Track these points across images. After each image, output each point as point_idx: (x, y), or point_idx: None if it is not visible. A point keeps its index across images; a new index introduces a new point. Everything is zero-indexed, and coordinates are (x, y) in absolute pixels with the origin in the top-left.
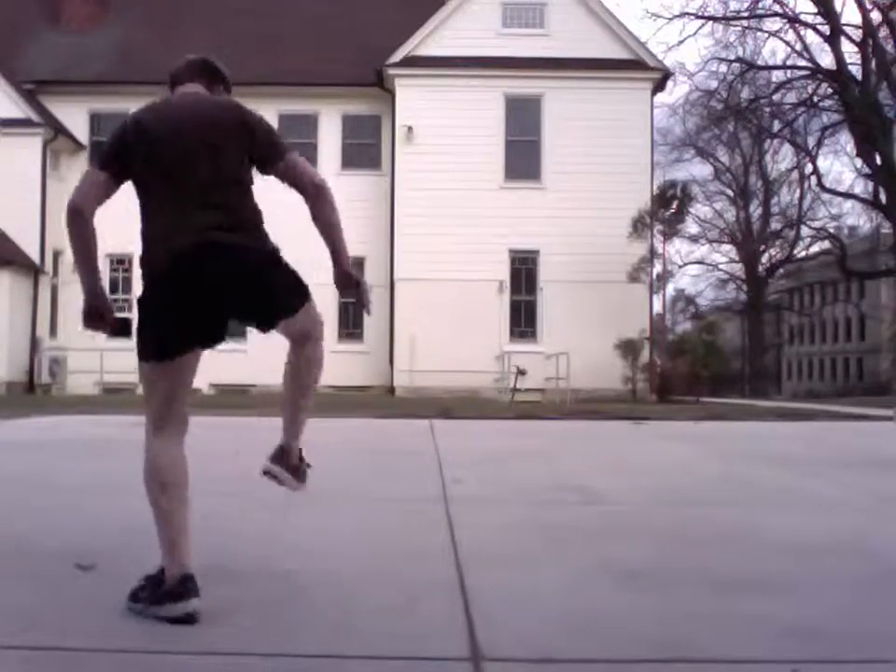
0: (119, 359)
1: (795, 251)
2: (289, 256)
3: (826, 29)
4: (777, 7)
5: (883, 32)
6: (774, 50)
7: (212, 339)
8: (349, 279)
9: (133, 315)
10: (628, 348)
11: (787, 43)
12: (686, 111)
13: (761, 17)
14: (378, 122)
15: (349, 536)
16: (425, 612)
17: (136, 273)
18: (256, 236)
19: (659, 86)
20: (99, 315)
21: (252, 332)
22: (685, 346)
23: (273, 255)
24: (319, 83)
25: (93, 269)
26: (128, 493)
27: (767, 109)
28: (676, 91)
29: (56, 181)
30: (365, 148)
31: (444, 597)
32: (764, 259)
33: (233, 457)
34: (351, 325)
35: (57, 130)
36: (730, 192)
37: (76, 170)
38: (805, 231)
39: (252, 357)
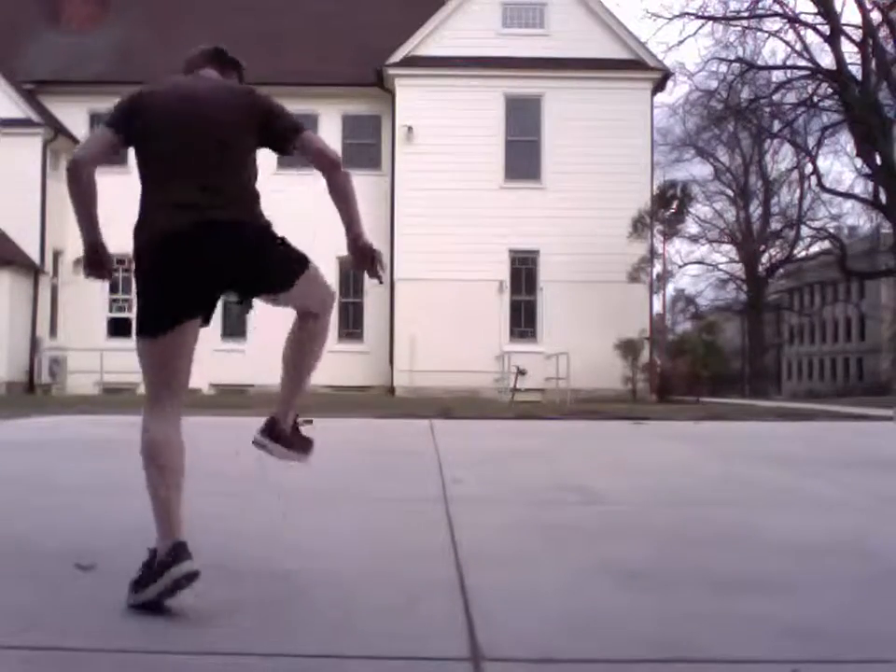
0: (119, 359)
1: (795, 251)
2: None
3: (826, 29)
4: (777, 7)
5: (883, 32)
6: (774, 50)
7: (205, 312)
8: (367, 252)
9: (133, 315)
10: (628, 348)
11: (787, 43)
12: (686, 111)
13: (761, 17)
14: (378, 122)
15: (349, 536)
16: (425, 612)
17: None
18: (252, 213)
19: (659, 86)
20: (99, 264)
21: (252, 332)
22: (685, 346)
23: (267, 229)
24: (319, 83)
25: (93, 222)
26: (128, 493)
27: (767, 109)
28: (676, 91)
29: (56, 181)
30: (365, 148)
31: (444, 597)
32: (764, 259)
33: (233, 457)
34: (351, 325)
35: (57, 130)
36: (730, 192)
37: None
38: (805, 230)
39: (251, 357)
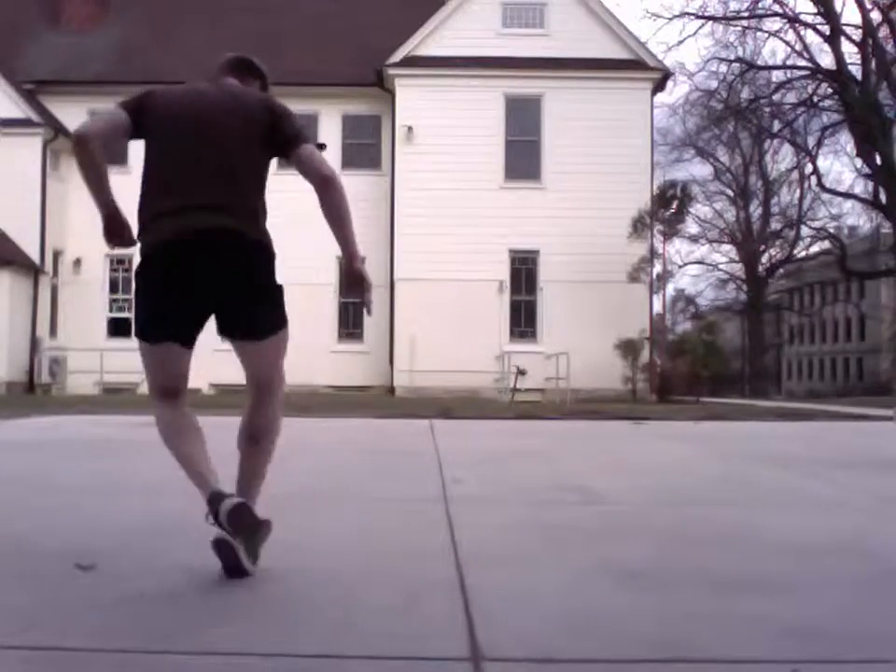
0: (119, 359)
1: (795, 251)
2: (291, 255)
3: (826, 29)
4: (777, 7)
5: (883, 32)
6: (774, 50)
7: (188, 335)
8: (357, 279)
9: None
10: (628, 348)
11: (787, 43)
12: (686, 111)
13: (761, 17)
14: (378, 122)
15: (349, 535)
16: (425, 612)
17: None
18: (255, 226)
19: (659, 86)
20: (119, 231)
21: None
22: (685, 346)
23: (269, 253)
24: (319, 83)
25: (105, 191)
26: (128, 493)
27: (767, 109)
28: (676, 91)
29: (56, 181)
30: (365, 148)
31: (444, 597)
32: (764, 259)
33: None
34: (351, 325)
35: (57, 130)
36: (730, 192)
37: (75, 170)
38: (805, 230)
39: None
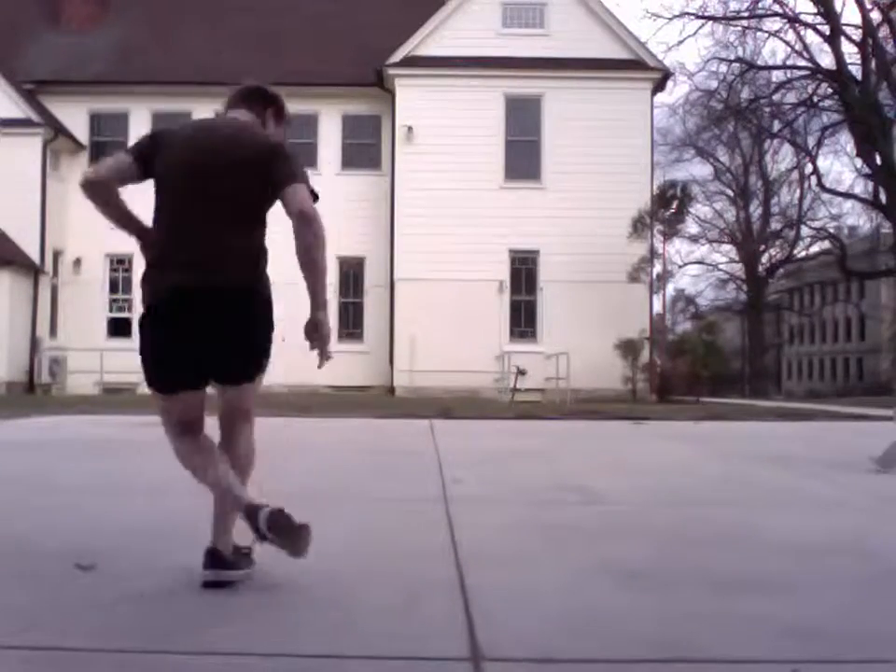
0: (119, 359)
1: (795, 251)
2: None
3: (826, 29)
4: (777, 7)
5: (883, 32)
6: (774, 50)
7: (196, 383)
8: (317, 329)
9: (133, 315)
10: (628, 348)
11: (787, 43)
12: (686, 111)
13: (761, 17)
14: (378, 122)
15: (349, 536)
16: (425, 612)
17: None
18: (253, 276)
19: (659, 86)
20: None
21: None
22: (685, 346)
23: (265, 304)
24: (319, 83)
25: (132, 224)
26: (128, 493)
27: (767, 109)
28: (676, 91)
29: (56, 181)
30: (365, 148)
31: (444, 597)
32: (764, 259)
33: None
34: (351, 325)
35: (57, 130)
36: (730, 192)
37: (75, 170)
38: (805, 230)
39: None
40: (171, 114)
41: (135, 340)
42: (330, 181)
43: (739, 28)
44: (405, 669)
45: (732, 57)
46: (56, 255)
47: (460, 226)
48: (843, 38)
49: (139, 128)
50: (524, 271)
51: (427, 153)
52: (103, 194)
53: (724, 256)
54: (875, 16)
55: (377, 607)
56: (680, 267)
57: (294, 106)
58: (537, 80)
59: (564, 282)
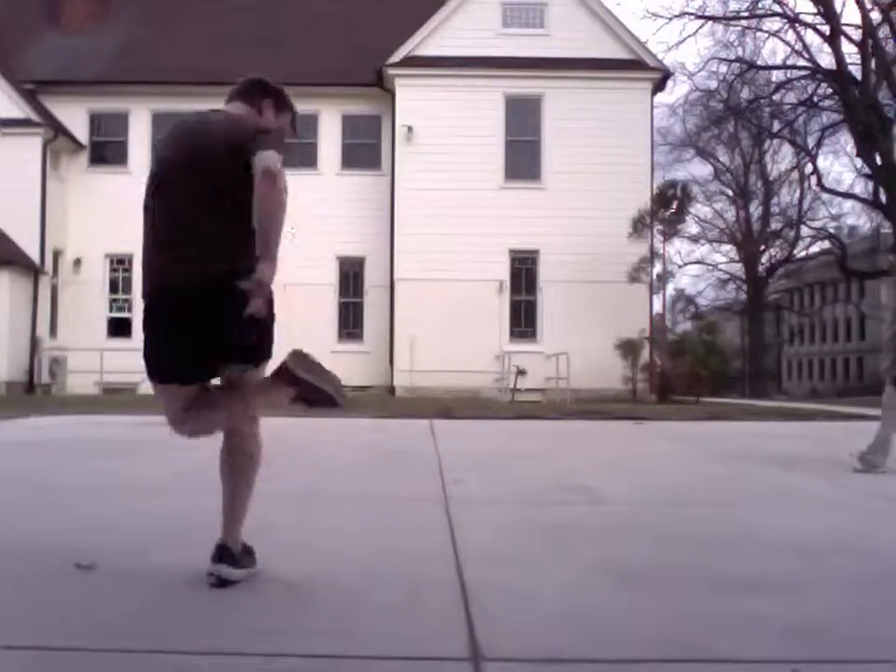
0: (119, 359)
1: (795, 251)
2: (291, 254)
3: (826, 29)
4: (776, 7)
5: (883, 32)
6: (774, 50)
7: (190, 378)
8: (258, 284)
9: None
10: (628, 348)
11: (787, 43)
12: (686, 111)
13: (761, 17)
14: (378, 122)
15: (349, 536)
16: (425, 612)
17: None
18: (219, 268)
19: (659, 86)
20: None
21: None
22: (685, 346)
23: (229, 298)
24: (319, 83)
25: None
26: (128, 493)
27: (767, 109)
28: (676, 91)
29: (56, 181)
30: (365, 148)
31: (444, 597)
32: (764, 258)
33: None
34: (351, 325)
35: (57, 130)
36: (730, 192)
37: (75, 170)
38: (805, 230)
39: None
40: (171, 114)
41: (136, 339)
42: (330, 181)
43: (739, 28)
44: (405, 669)
45: (732, 57)
46: (56, 255)
47: (460, 226)
48: (843, 38)
49: (139, 128)
50: (524, 271)
51: (427, 153)
52: None
53: (724, 256)
54: (875, 16)
55: (377, 607)
56: (680, 267)
57: None
58: (537, 80)
59: (564, 282)
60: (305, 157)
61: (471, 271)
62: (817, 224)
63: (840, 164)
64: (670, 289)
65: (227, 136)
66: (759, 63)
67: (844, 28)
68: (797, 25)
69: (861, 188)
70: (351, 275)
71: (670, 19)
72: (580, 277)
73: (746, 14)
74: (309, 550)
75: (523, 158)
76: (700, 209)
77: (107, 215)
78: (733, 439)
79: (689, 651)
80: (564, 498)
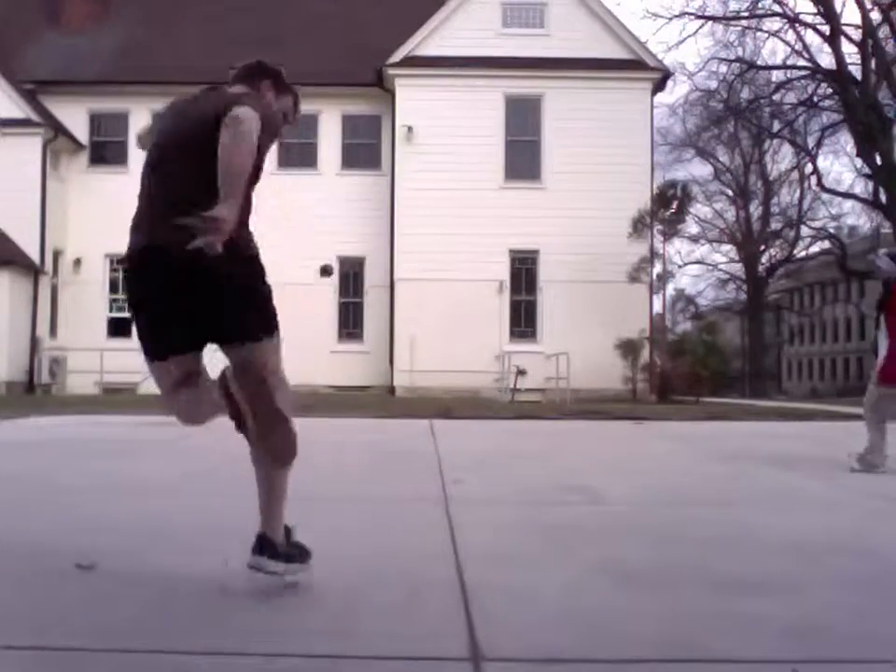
0: (119, 359)
1: (795, 251)
2: (291, 255)
3: (826, 29)
4: (776, 7)
5: (883, 32)
6: (774, 50)
7: (174, 348)
8: (213, 221)
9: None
10: (628, 348)
11: (787, 43)
12: (686, 111)
13: (761, 17)
14: (378, 122)
15: (349, 536)
16: (425, 612)
17: None
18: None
19: (659, 86)
20: None
21: None
22: (685, 346)
23: (207, 265)
24: (319, 83)
25: None
26: (128, 493)
27: (767, 109)
28: (676, 91)
29: (56, 181)
30: (365, 148)
31: (444, 597)
32: (764, 258)
33: (232, 458)
34: (351, 325)
35: (57, 130)
36: (730, 192)
37: (75, 170)
38: (805, 230)
39: None
40: None
41: (136, 340)
42: (330, 181)
43: (739, 28)
44: (405, 669)
45: (732, 57)
46: (56, 255)
47: (460, 226)
48: (843, 38)
49: (139, 128)
50: (524, 271)
51: (427, 153)
52: None
53: (724, 256)
54: (875, 16)
55: (377, 607)
56: (680, 267)
57: None
58: (537, 80)
59: (564, 282)
60: (305, 157)
61: (471, 271)
62: (817, 224)
63: (840, 164)
64: (670, 289)
65: (214, 109)
66: (759, 62)
67: (844, 28)
68: (797, 25)
69: (861, 188)
70: (351, 275)
71: (670, 19)
72: (580, 277)
73: (746, 14)
74: (308, 549)
75: (523, 158)
76: (700, 209)
77: (107, 215)
78: (733, 439)
79: (689, 651)
80: (564, 498)
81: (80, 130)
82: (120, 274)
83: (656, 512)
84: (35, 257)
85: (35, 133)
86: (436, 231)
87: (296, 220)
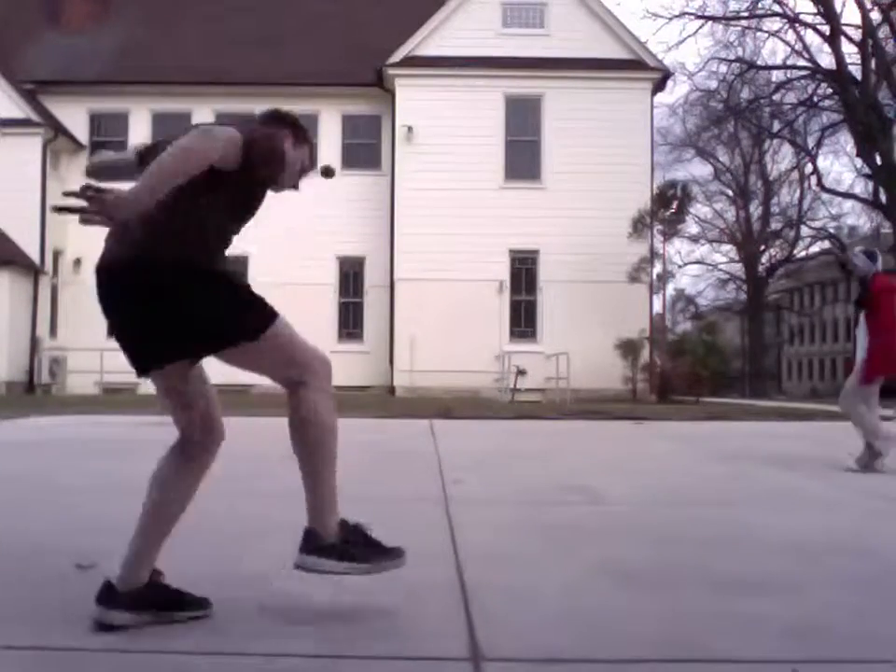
0: (120, 359)
1: (795, 251)
2: (291, 255)
3: (826, 29)
4: (776, 7)
5: (883, 32)
6: (774, 50)
7: (139, 367)
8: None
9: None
10: (628, 348)
11: (787, 43)
12: (686, 111)
13: (761, 17)
14: (378, 122)
15: None
16: (425, 612)
17: None
18: (160, 250)
19: (659, 86)
20: None
21: None
22: (685, 346)
23: (153, 280)
24: (319, 83)
25: None
26: (128, 493)
27: (767, 109)
28: (676, 91)
29: (56, 181)
30: (365, 148)
31: (444, 597)
32: (764, 258)
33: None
34: (351, 325)
35: (57, 130)
36: (730, 192)
37: (75, 170)
38: (805, 230)
39: None
40: (171, 114)
41: None
42: (331, 181)
43: (739, 28)
44: (405, 669)
45: (732, 57)
46: (56, 255)
47: (460, 226)
48: (843, 38)
49: (139, 128)
50: (524, 271)
51: (427, 153)
52: None
53: (724, 256)
54: (875, 16)
55: (377, 607)
56: (680, 267)
57: (294, 106)
58: (537, 80)
59: (564, 282)
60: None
61: (471, 271)
62: (817, 224)
63: (840, 164)
64: (670, 289)
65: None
66: (759, 62)
67: (844, 28)
68: (797, 25)
69: (861, 188)
70: (351, 275)
71: (670, 19)
72: (580, 277)
73: (746, 14)
74: None
75: (523, 158)
76: (700, 209)
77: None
78: (733, 439)
79: (689, 651)
80: (564, 498)
81: (80, 130)
82: None
83: (656, 512)
84: (35, 257)
85: (36, 132)
86: (436, 231)
87: (296, 220)
